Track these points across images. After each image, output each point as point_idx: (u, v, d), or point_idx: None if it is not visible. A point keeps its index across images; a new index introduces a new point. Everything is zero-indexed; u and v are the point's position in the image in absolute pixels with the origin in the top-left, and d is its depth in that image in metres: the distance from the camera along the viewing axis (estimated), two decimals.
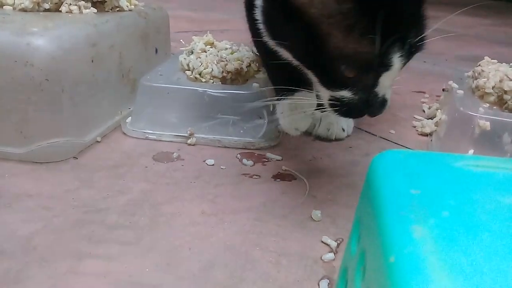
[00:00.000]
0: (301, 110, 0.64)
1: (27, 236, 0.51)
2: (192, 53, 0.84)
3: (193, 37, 0.89)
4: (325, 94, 0.53)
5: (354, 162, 0.72)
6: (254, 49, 0.81)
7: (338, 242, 0.53)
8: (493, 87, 0.72)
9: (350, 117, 0.53)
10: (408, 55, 0.48)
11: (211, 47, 0.86)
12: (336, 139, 0.78)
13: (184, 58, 0.82)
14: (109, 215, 0.55)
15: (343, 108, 0.52)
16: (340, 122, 0.78)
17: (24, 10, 0.76)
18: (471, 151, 0.66)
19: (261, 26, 0.57)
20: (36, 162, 0.66)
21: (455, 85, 0.80)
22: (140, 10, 0.89)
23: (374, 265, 0.26)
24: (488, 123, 0.65)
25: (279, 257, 0.50)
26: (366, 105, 0.51)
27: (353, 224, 0.34)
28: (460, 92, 0.76)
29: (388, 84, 0.50)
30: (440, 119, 0.81)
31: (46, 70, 0.63)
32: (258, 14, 0.57)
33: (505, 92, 0.71)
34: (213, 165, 0.69)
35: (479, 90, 0.74)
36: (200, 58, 0.81)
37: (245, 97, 0.74)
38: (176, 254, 0.49)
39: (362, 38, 0.46)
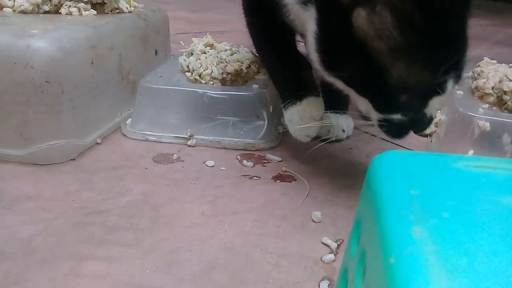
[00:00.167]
0: (310, 116, 0.64)
1: (27, 238, 0.51)
2: (192, 54, 0.84)
3: (193, 38, 0.89)
4: (375, 116, 0.53)
5: (354, 163, 0.73)
6: (254, 51, 0.81)
7: (338, 243, 0.53)
8: (492, 88, 0.72)
9: (397, 137, 0.54)
10: (458, 79, 0.49)
11: (210, 49, 0.86)
12: (337, 140, 0.78)
13: (184, 60, 0.82)
14: (109, 216, 0.55)
15: (392, 128, 0.52)
16: (340, 123, 0.78)
17: (23, 12, 0.76)
18: (470, 152, 0.66)
19: (312, 53, 0.54)
20: (36, 164, 0.66)
21: None
22: (140, 12, 0.89)
23: (374, 266, 0.26)
24: (487, 124, 0.65)
25: (279, 258, 0.50)
26: (415, 125, 0.52)
27: (353, 225, 0.34)
28: (460, 92, 0.76)
29: (439, 107, 0.51)
30: (439, 119, 0.81)
31: (46, 72, 0.63)
32: (310, 39, 0.54)
33: (505, 92, 0.71)
34: (213, 166, 0.69)
35: (478, 90, 0.73)
36: (200, 59, 0.81)
37: (245, 98, 0.74)
38: (177, 255, 0.49)
39: (424, 68, 0.46)
